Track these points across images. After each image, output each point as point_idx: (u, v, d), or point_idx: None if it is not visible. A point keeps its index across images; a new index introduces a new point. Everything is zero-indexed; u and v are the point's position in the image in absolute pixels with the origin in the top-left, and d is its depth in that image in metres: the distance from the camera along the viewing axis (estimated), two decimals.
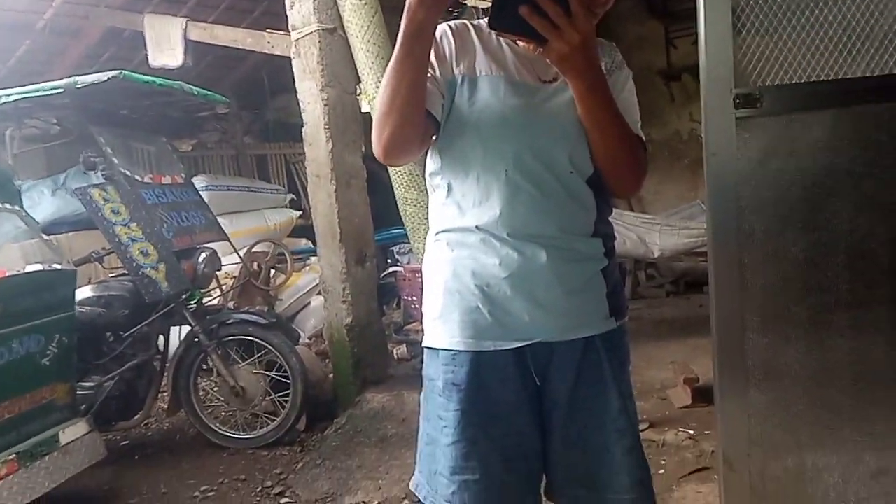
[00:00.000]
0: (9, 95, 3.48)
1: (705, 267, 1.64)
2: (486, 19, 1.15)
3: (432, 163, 1.37)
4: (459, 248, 1.31)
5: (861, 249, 1.40)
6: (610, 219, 1.39)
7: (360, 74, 3.80)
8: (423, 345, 1.39)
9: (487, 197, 1.27)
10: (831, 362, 1.44)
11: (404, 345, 4.52)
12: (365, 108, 4.17)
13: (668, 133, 6.40)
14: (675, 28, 6.41)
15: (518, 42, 1.29)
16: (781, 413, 1.48)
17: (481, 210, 1.27)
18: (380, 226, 4.80)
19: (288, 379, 3.54)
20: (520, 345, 1.29)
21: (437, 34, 1.29)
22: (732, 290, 1.49)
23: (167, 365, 3.72)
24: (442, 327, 1.33)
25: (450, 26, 1.33)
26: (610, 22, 6.19)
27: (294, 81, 3.90)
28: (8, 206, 3.29)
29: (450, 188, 1.32)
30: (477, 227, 1.28)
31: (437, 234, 1.37)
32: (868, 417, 1.44)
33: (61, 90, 3.37)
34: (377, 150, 1.25)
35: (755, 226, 1.44)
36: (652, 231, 4.95)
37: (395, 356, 4.49)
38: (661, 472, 2.79)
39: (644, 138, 1.33)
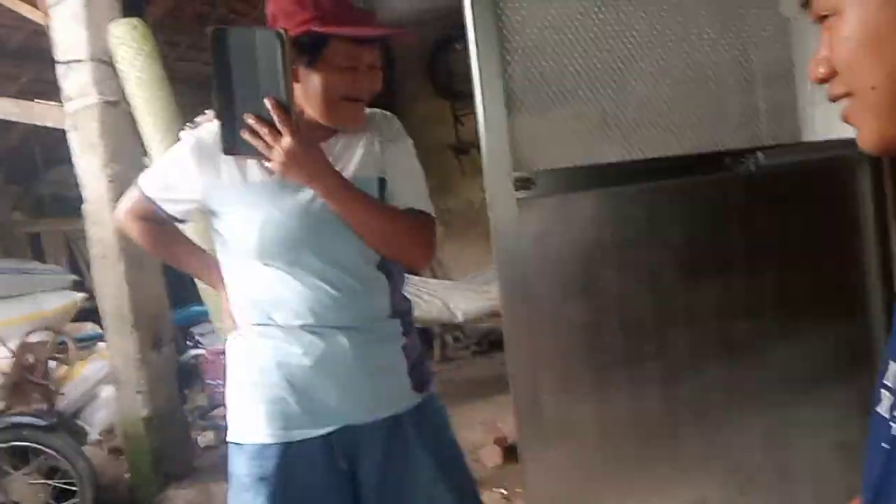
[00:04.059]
0: None
1: None
2: None
3: (221, 261, 1.35)
4: (263, 339, 1.30)
5: (630, 313, 1.58)
6: (415, 287, 1.44)
7: (147, 149, 3.61)
8: (228, 440, 1.34)
9: (281, 296, 1.27)
10: (615, 416, 1.59)
11: (211, 431, 4.23)
12: None
13: (461, 203, 6.71)
14: (460, 106, 6.82)
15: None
16: (578, 468, 1.60)
17: (278, 307, 1.28)
18: (177, 303, 4.52)
19: (74, 485, 3.17)
20: (327, 431, 1.28)
21: (187, 152, 1.29)
22: (525, 353, 1.60)
23: None
24: (248, 421, 1.30)
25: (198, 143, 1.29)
26: (400, 100, 6.50)
27: (71, 154, 3.61)
28: None
29: (241, 288, 1.31)
30: (277, 321, 1.28)
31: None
32: (648, 465, 1.60)
33: None
34: None
35: (541, 295, 1.57)
36: (454, 296, 5.14)
37: (200, 444, 4.19)
38: None
39: (427, 209, 1.34)
